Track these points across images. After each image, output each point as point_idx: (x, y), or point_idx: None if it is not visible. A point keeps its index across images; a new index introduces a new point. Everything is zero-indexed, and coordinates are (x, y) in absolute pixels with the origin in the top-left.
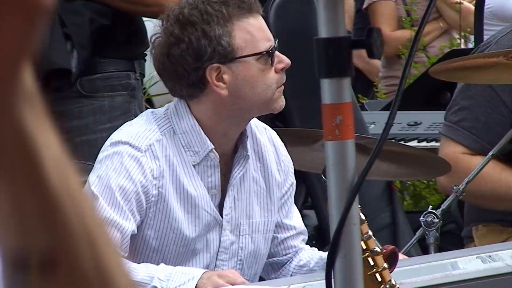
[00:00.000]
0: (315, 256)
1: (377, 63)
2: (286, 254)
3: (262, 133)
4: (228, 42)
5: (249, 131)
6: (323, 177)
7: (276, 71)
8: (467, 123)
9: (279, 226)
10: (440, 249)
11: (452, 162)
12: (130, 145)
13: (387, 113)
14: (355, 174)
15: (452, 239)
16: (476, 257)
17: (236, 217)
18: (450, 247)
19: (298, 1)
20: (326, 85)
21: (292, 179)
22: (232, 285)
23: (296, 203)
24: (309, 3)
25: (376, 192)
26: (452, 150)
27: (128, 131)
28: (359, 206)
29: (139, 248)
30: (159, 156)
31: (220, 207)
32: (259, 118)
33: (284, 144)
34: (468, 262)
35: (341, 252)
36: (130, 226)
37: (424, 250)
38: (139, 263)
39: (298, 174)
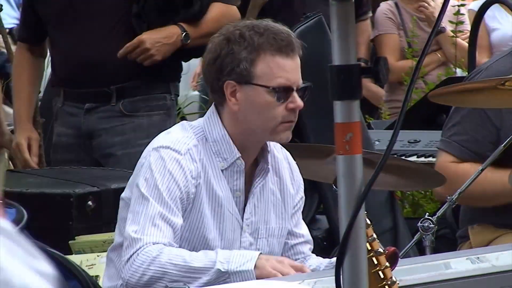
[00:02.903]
0: (324, 261)
1: (377, 90)
2: (296, 260)
3: (279, 152)
4: (247, 67)
5: (271, 151)
6: (334, 187)
7: (286, 109)
8: (458, 137)
9: (290, 234)
10: (435, 251)
11: (442, 170)
12: (171, 149)
13: (390, 131)
14: (362, 184)
15: (446, 242)
16: (466, 259)
17: (255, 222)
18: (444, 249)
19: (314, 32)
20: (338, 106)
21: (302, 194)
22: (283, 274)
23: (310, 209)
24: (324, 34)
25: (379, 200)
26: (443, 160)
27: (168, 137)
28: (365, 212)
29: None
30: (196, 159)
31: (242, 212)
32: None
33: (300, 157)
34: (459, 263)
35: (349, 252)
36: (179, 220)
37: (421, 252)
38: None
39: (312, 184)
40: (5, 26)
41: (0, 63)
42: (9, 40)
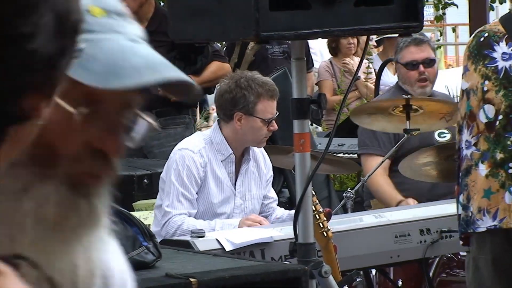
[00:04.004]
0: (285, 213)
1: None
2: (268, 211)
3: (260, 152)
4: (252, 106)
5: (252, 148)
6: (293, 171)
7: (268, 130)
8: (372, 142)
9: (265, 197)
10: (353, 211)
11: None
12: (189, 149)
13: (327, 138)
14: (310, 170)
15: (359, 206)
16: (372, 215)
17: (242, 191)
18: (359, 210)
19: (282, 78)
20: (295, 123)
21: (271, 173)
22: (252, 223)
23: (278, 184)
24: (288, 79)
25: (320, 179)
26: (372, 163)
27: (187, 142)
28: (312, 187)
29: None
30: (204, 155)
31: (234, 185)
32: None
33: (273, 154)
34: (368, 218)
35: (302, 211)
36: (194, 196)
37: (345, 211)
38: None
39: (279, 169)
40: None
41: None
42: None
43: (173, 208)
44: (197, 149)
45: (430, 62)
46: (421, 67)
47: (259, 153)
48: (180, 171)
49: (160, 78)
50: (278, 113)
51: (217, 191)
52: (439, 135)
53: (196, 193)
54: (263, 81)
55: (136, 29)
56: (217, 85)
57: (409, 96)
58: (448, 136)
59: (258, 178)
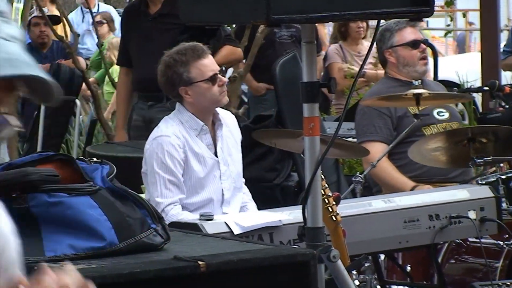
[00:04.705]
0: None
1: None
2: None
3: (225, 113)
4: (187, 76)
5: (219, 113)
6: (302, 155)
7: (218, 86)
8: (372, 131)
9: None
10: (362, 195)
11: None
12: (164, 135)
13: (337, 123)
14: (319, 154)
15: (368, 191)
16: (381, 200)
17: (224, 156)
18: (367, 194)
19: (292, 62)
20: (305, 106)
21: (240, 135)
22: None
23: (287, 169)
24: (297, 63)
25: (330, 164)
26: (374, 149)
27: (159, 129)
28: (321, 171)
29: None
30: (180, 136)
31: (215, 154)
32: (273, 125)
33: (282, 137)
34: (377, 203)
35: (311, 195)
36: (180, 180)
37: (354, 196)
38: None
39: (288, 153)
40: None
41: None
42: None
43: (163, 197)
44: (172, 132)
45: (425, 42)
46: (422, 46)
47: (228, 117)
48: (162, 159)
49: (17, 73)
50: (223, 68)
51: (200, 167)
52: (438, 113)
53: (182, 176)
54: (185, 48)
55: (13, 30)
56: None
57: (417, 82)
58: (447, 115)
59: (234, 141)
